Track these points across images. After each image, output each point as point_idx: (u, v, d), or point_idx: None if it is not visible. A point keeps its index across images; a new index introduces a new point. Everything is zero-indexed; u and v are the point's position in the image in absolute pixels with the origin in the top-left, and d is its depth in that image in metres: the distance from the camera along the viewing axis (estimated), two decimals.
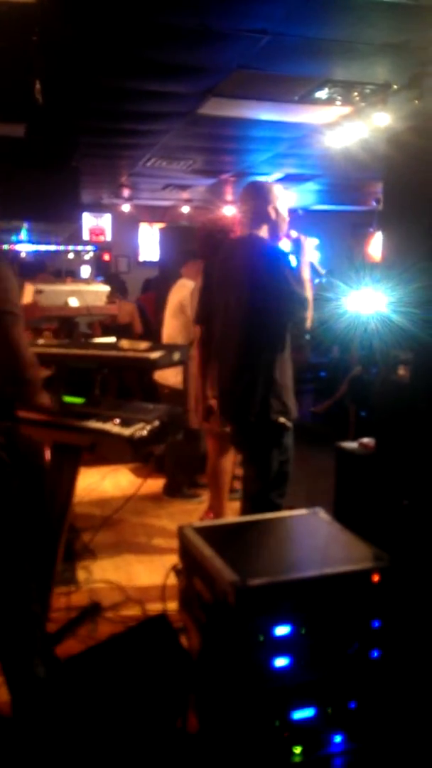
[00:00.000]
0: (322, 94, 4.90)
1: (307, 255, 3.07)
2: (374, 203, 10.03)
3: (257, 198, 3.03)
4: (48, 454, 2.93)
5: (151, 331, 6.55)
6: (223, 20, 3.65)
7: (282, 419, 2.92)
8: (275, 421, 2.91)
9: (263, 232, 3.03)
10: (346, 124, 5.56)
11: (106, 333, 5.32)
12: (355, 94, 4.88)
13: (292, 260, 3.01)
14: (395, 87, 4.62)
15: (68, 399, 2.71)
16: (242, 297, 2.95)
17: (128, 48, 4.08)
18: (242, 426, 3.05)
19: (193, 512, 4.35)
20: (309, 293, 2.95)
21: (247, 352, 2.93)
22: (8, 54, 4.09)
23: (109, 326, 6.76)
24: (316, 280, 3.29)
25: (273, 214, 3.01)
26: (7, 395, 2.11)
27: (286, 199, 3.07)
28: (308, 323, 2.95)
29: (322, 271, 3.20)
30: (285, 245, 3.12)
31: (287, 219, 3.07)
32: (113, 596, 3.27)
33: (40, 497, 2.65)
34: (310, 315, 2.94)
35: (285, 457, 3.00)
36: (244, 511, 3.11)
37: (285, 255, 2.98)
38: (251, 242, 3.07)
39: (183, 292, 4.43)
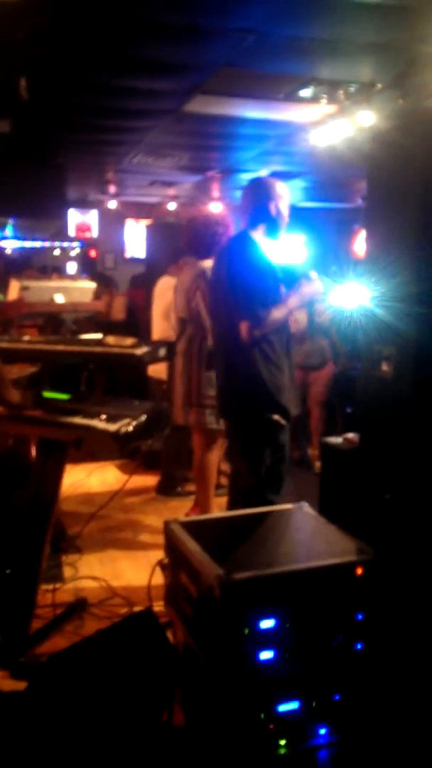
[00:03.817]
0: (307, 92, 4.93)
1: (308, 295, 3.06)
2: (360, 200, 10.08)
3: (260, 194, 3.04)
4: (34, 451, 2.93)
5: (140, 327, 6.55)
6: (210, 18, 3.66)
7: (276, 417, 2.94)
8: (269, 419, 2.93)
9: (259, 231, 3.04)
10: (331, 123, 5.60)
11: (100, 330, 5.30)
12: (340, 92, 4.92)
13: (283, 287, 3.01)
14: (379, 86, 4.67)
15: (50, 395, 2.71)
16: (226, 295, 2.97)
17: (114, 44, 4.07)
18: (236, 422, 3.08)
19: (179, 508, 4.37)
20: (276, 316, 2.90)
21: (233, 351, 2.95)
22: None
23: (102, 323, 6.74)
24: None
25: (274, 212, 3.03)
26: None
27: (288, 198, 3.09)
28: (256, 333, 2.86)
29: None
30: (281, 246, 3.12)
31: (287, 218, 3.09)
32: (99, 592, 3.28)
33: (24, 494, 2.65)
34: (262, 330, 2.87)
35: (279, 455, 3.01)
36: (235, 506, 3.13)
37: (269, 265, 2.97)
38: (236, 240, 3.09)
39: (170, 293, 4.44)
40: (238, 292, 2.87)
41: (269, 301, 2.90)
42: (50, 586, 3.13)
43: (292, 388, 3.03)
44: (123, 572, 3.52)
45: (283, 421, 2.97)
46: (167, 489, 4.67)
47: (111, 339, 2.92)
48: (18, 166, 6.77)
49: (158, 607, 2.65)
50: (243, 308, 2.85)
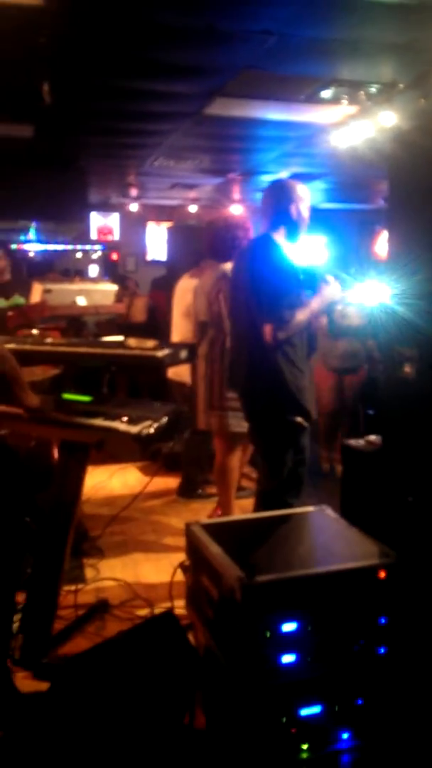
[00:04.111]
0: (328, 93, 4.90)
1: (328, 298, 3.05)
2: (382, 202, 10.02)
3: (281, 196, 3.04)
4: (56, 453, 2.95)
5: (161, 329, 6.57)
6: (229, 21, 3.66)
7: (298, 419, 2.93)
8: (291, 421, 2.92)
9: (280, 233, 3.03)
10: (352, 124, 5.56)
11: (121, 333, 5.31)
12: (361, 93, 4.88)
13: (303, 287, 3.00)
14: (401, 86, 4.63)
15: (71, 397, 2.72)
16: (248, 299, 2.96)
17: (134, 49, 4.09)
18: (258, 424, 3.07)
19: (201, 510, 4.37)
20: (300, 319, 2.89)
21: (255, 353, 2.94)
22: (16, 55, 4.13)
23: (123, 325, 6.75)
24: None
25: (294, 214, 3.02)
26: None
27: (309, 200, 3.08)
28: (281, 336, 2.86)
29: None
30: (301, 248, 3.11)
31: (307, 220, 3.08)
32: (121, 594, 3.29)
33: (46, 496, 2.67)
34: (286, 333, 2.87)
35: (300, 457, 3.01)
36: (257, 509, 3.13)
37: (291, 267, 2.96)
38: (259, 243, 3.08)
39: (190, 294, 4.44)
40: (262, 295, 2.86)
41: (293, 303, 2.89)
42: (72, 588, 3.16)
43: (312, 390, 3.02)
44: (144, 574, 3.53)
45: (305, 423, 2.96)
46: (188, 491, 4.67)
47: (132, 341, 2.93)
48: (40, 170, 6.85)
49: (179, 609, 2.66)
50: (267, 311, 2.85)
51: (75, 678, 2.28)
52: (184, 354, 2.94)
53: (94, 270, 12.01)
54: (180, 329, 4.58)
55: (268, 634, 2.01)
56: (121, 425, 2.43)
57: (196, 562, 2.40)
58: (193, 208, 10.45)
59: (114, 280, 8.06)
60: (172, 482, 4.80)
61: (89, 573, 3.50)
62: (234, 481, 3.94)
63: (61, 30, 3.70)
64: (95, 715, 2.14)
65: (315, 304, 2.99)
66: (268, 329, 2.84)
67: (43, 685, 2.38)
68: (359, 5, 3.42)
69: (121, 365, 2.99)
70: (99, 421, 2.49)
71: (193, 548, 2.41)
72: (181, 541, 2.55)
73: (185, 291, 4.53)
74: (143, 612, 3.10)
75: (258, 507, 3.12)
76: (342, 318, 5.22)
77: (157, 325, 7.16)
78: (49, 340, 3.44)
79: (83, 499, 3.75)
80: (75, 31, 3.80)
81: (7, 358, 2.38)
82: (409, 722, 2.20)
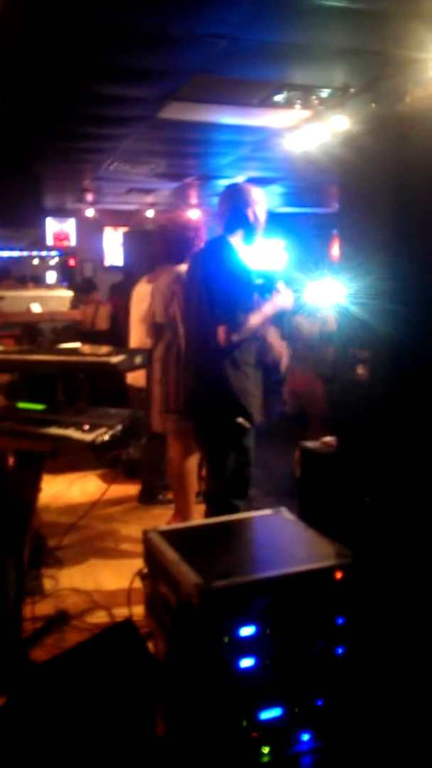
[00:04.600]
0: (281, 97, 4.94)
1: (278, 305, 3.06)
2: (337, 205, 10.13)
3: (237, 200, 3.05)
4: (11, 461, 2.89)
5: (121, 335, 6.52)
6: (181, 24, 3.66)
7: (240, 420, 2.94)
8: (233, 422, 2.93)
9: (236, 236, 3.04)
10: (306, 128, 5.62)
11: (83, 340, 5.25)
12: (314, 97, 4.94)
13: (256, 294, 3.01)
14: (352, 90, 4.68)
15: (25, 405, 2.68)
16: (201, 300, 2.96)
17: (87, 52, 4.06)
18: (201, 425, 3.08)
19: (161, 516, 4.34)
20: (253, 323, 2.91)
21: (202, 354, 2.96)
22: None
23: (87, 332, 6.67)
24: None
25: (251, 217, 3.03)
26: None
27: (264, 203, 3.09)
28: (235, 338, 2.87)
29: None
30: (255, 252, 3.13)
31: (264, 223, 3.09)
32: (80, 604, 3.24)
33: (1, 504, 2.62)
34: (240, 336, 2.88)
35: (244, 460, 3.01)
36: (207, 512, 3.13)
37: (246, 270, 2.97)
38: (215, 245, 3.08)
39: (147, 299, 4.42)
40: (216, 297, 2.87)
41: (247, 306, 2.90)
42: (30, 600, 3.09)
43: (257, 394, 3.04)
44: (104, 583, 3.49)
45: (247, 425, 2.97)
46: (148, 497, 4.64)
47: (86, 348, 2.90)
48: None
49: (138, 616, 2.63)
50: (221, 312, 2.85)
51: (32, 690, 2.24)
52: (139, 359, 2.91)
53: (51, 276, 11.89)
54: (137, 334, 4.55)
55: (226, 639, 2.00)
56: (75, 433, 2.40)
57: (154, 570, 2.37)
58: (150, 213, 10.43)
59: (76, 288, 7.98)
60: (132, 489, 4.76)
61: (48, 583, 3.44)
62: (192, 485, 3.92)
63: (13, 32, 3.65)
64: (55, 728, 2.10)
65: (268, 309, 3.01)
66: (221, 331, 2.84)
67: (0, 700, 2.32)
68: (309, 9, 3.46)
69: (75, 372, 2.94)
70: (53, 430, 2.45)
71: (151, 556, 2.39)
72: (141, 548, 2.53)
73: (142, 296, 4.50)
74: (103, 621, 3.06)
75: (208, 511, 3.13)
76: (324, 324, 5.27)
77: (119, 331, 7.11)
78: (0, 348, 3.38)
79: (42, 508, 3.70)
80: (27, 33, 3.75)
81: None
82: (369, 722, 2.21)
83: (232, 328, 2.83)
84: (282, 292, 3.08)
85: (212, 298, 2.87)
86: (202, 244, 3.68)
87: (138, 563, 2.65)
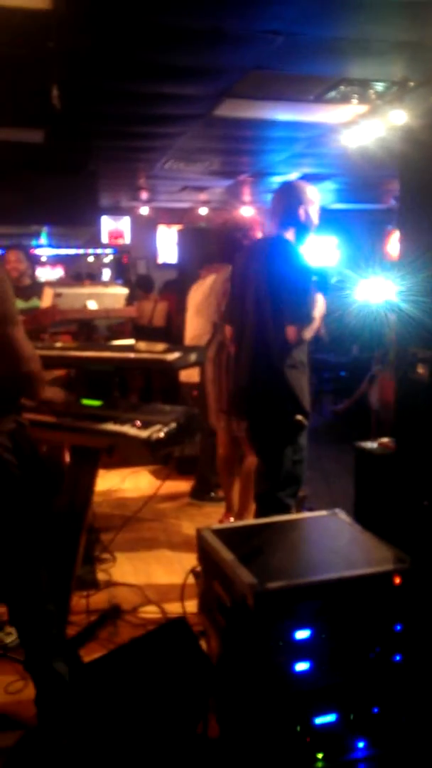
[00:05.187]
0: (337, 93, 4.87)
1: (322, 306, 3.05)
2: (393, 201, 9.96)
3: (291, 198, 3.02)
4: (67, 457, 2.93)
5: (174, 332, 6.56)
6: (237, 22, 3.64)
7: (299, 417, 2.91)
8: (291, 419, 2.91)
9: (290, 234, 3.02)
10: (362, 123, 5.53)
11: (140, 337, 5.29)
12: (371, 92, 4.85)
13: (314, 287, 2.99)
14: (411, 84, 4.58)
15: (86, 402, 2.72)
16: (260, 297, 2.94)
17: (143, 52, 4.09)
18: (258, 423, 3.06)
19: (213, 513, 4.34)
20: (317, 313, 2.93)
21: (261, 352, 2.94)
22: (26, 61, 4.13)
23: (144, 329, 6.71)
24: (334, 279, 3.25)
25: (303, 216, 3.00)
26: (10, 391, 2.13)
27: (318, 202, 3.06)
28: (306, 336, 2.90)
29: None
30: (309, 249, 3.10)
31: (316, 222, 3.06)
32: (133, 599, 3.27)
33: (56, 499, 2.65)
34: (310, 333, 2.91)
35: (298, 458, 2.99)
36: (257, 512, 3.11)
37: (307, 265, 2.96)
38: (277, 243, 3.06)
39: (204, 291, 4.43)
40: (285, 296, 2.85)
41: (313, 305, 2.89)
42: (84, 593, 3.14)
43: (308, 390, 3.02)
44: (157, 579, 3.51)
45: (305, 422, 2.95)
46: (201, 494, 4.65)
47: (142, 345, 2.91)
48: (51, 174, 6.87)
49: (192, 613, 2.63)
50: (292, 311, 2.85)
51: (88, 685, 2.27)
52: (193, 357, 2.91)
53: (106, 273, 12.06)
54: (193, 327, 4.56)
55: (281, 642, 1.97)
56: (131, 430, 2.41)
57: (208, 568, 2.37)
58: (203, 211, 10.44)
59: (135, 284, 8.06)
60: (184, 485, 4.78)
61: (101, 577, 3.48)
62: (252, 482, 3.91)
63: (70, 34, 3.70)
64: (108, 724, 2.12)
65: (322, 306, 2.99)
66: (291, 330, 2.83)
67: None
68: (366, 3, 3.39)
69: (131, 369, 2.96)
70: (109, 426, 2.47)
71: (205, 554, 2.38)
72: (194, 545, 2.53)
73: (197, 290, 4.53)
74: (156, 617, 3.08)
75: (258, 510, 3.10)
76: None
77: (171, 327, 7.15)
78: (58, 344, 3.43)
79: (96, 504, 3.74)
80: (83, 35, 3.80)
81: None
82: (426, 731, 2.16)
83: (302, 325, 2.83)
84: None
85: (280, 297, 2.85)
86: (253, 242, 3.66)
87: (190, 560, 2.66)
